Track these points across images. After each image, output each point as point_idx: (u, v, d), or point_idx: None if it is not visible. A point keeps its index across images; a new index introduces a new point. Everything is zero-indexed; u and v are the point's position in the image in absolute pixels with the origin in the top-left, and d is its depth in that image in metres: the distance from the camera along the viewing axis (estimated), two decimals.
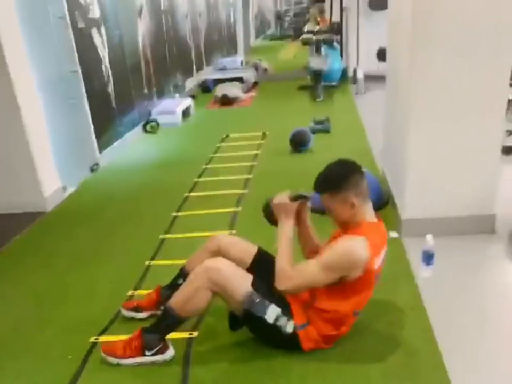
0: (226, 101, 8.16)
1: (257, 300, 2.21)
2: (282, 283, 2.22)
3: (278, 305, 2.24)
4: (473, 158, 3.17)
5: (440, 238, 3.03)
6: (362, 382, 2.15)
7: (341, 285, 2.18)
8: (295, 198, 2.34)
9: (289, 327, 2.23)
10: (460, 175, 3.20)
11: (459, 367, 2.17)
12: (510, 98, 4.83)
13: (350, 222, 2.24)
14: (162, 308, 2.53)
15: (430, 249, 2.82)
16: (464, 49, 2.95)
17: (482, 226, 3.28)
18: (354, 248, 2.11)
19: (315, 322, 2.27)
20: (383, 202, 3.79)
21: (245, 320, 2.30)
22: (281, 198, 2.34)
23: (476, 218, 3.26)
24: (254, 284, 2.25)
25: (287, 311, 2.25)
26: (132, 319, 2.67)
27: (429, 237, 2.82)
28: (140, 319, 2.65)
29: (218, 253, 2.50)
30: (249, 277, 2.29)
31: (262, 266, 2.43)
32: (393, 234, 3.33)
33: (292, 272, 2.21)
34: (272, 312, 2.22)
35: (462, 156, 3.16)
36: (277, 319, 2.22)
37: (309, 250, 2.49)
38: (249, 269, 2.42)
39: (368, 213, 2.26)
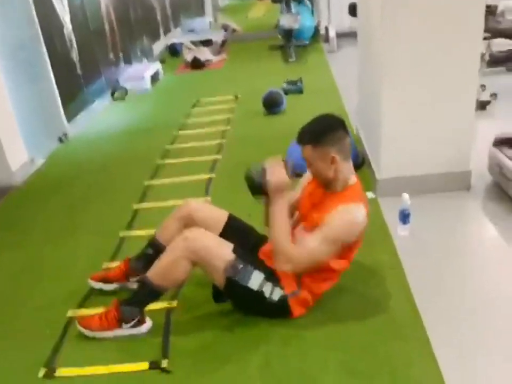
0: (197, 64, 7.98)
1: (240, 267, 2.18)
2: (284, 264, 2.19)
3: (261, 271, 2.21)
4: (448, 114, 3.14)
5: (417, 196, 3.03)
6: (344, 342, 2.15)
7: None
8: (293, 174, 2.26)
9: (275, 294, 2.21)
10: (434, 132, 3.17)
11: (437, 324, 2.19)
12: (483, 52, 4.83)
13: (333, 181, 2.20)
14: (131, 279, 2.53)
15: (407, 208, 2.81)
16: (435, 1, 2.90)
17: (458, 183, 3.28)
18: (357, 219, 2.13)
19: (306, 285, 2.25)
20: (359, 162, 3.76)
21: (228, 291, 2.26)
22: (276, 170, 2.22)
23: (452, 175, 3.26)
24: (235, 251, 2.22)
25: (272, 277, 2.23)
26: (107, 292, 2.62)
27: (405, 196, 2.81)
28: (113, 292, 2.61)
29: (188, 219, 2.46)
30: (230, 245, 2.26)
31: (234, 232, 2.40)
32: (370, 194, 3.32)
33: (293, 251, 2.17)
34: (256, 279, 2.19)
35: (436, 113, 3.13)
36: (261, 286, 2.19)
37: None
38: (221, 235, 2.37)
39: (351, 173, 2.24)
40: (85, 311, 2.53)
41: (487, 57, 5.20)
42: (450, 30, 2.95)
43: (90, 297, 2.65)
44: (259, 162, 2.31)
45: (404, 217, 2.84)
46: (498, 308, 2.28)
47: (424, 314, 2.25)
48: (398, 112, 3.14)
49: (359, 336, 2.17)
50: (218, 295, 2.35)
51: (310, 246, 2.15)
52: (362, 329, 2.21)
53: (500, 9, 6.40)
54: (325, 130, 2.16)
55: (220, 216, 2.52)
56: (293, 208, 2.41)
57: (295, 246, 2.19)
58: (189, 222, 2.44)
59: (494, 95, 4.79)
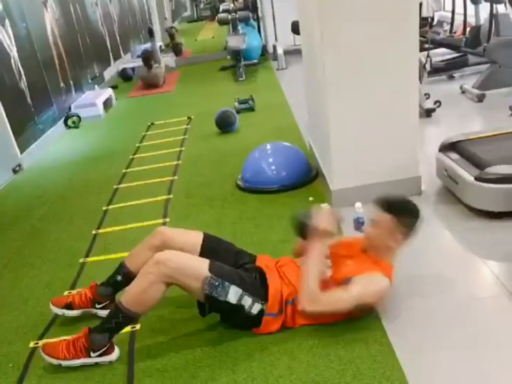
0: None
1: (217, 283, 2.18)
2: (309, 305, 2.22)
3: (239, 286, 2.23)
4: (393, 122, 3.24)
5: (371, 204, 3.11)
6: (306, 352, 2.18)
7: None
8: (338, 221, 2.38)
9: (255, 308, 2.24)
10: (381, 141, 3.26)
11: (396, 327, 2.26)
12: (424, 62, 5.02)
13: (381, 251, 2.34)
14: (97, 305, 2.49)
15: (360, 217, 2.89)
16: (370, 13, 3.01)
17: (409, 189, 3.36)
18: (385, 288, 2.25)
19: (286, 314, 2.30)
20: (312, 176, 3.85)
21: (210, 305, 2.29)
22: (327, 217, 2.33)
23: (402, 182, 3.35)
24: (211, 267, 2.22)
25: (258, 292, 2.27)
26: (70, 320, 2.57)
27: (357, 205, 2.89)
28: (76, 318, 2.56)
29: (163, 247, 2.42)
30: (205, 261, 2.26)
31: (213, 251, 2.41)
32: (325, 206, 3.39)
33: (322, 298, 2.21)
34: (233, 293, 2.20)
35: (382, 121, 3.23)
36: (239, 299, 2.21)
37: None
38: (201, 256, 2.38)
39: (396, 256, 2.38)
40: (47, 341, 2.48)
41: (428, 67, 5.41)
42: (387, 41, 3.06)
43: (52, 326, 2.61)
44: (308, 210, 2.39)
45: (359, 225, 2.92)
46: (453, 306, 2.36)
47: (384, 317, 2.31)
48: (345, 124, 3.22)
49: (322, 344, 2.21)
50: (202, 308, 2.36)
51: (340, 298, 2.21)
52: (323, 337, 2.25)
53: (436, 20, 6.68)
54: (411, 213, 2.33)
55: (195, 239, 2.51)
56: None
57: (326, 294, 2.23)
58: (163, 250, 2.39)
59: (438, 103, 4.98)
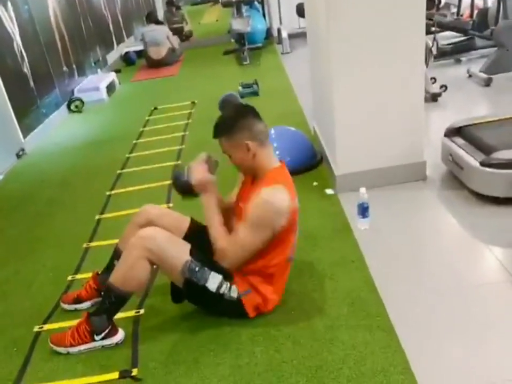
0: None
1: (197, 268, 2.19)
2: (221, 260, 2.23)
3: (219, 272, 2.23)
4: (399, 106, 3.22)
5: (375, 189, 3.11)
6: (310, 337, 2.19)
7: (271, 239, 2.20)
8: (213, 165, 2.34)
9: (233, 292, 2.24)
10: (387, 125, 3.25)
11: (400, 312, 2.25)
12: (430, 45, 4.97)
13: (255, 168, 2.25)
14: (103, 293, 2.47)
15: (365, 202, 2.87)
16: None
17: (414, 174, 3.37)
18: (275, 198, 2.13)
19: (255, 287, 2.28)
20: (316, 161, 3.83)
21: (187, 291, 2.27)
22: (197, 169, 2.30)
23: (407, 167, 3.34)
24: (192, 252, 2.22)
25: (228, 277, 2.25)
26: (76, 310, 2.59)
27: (362, 190, 2.87)
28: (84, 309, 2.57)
29: (147, 225, 2.43)
30: (187, 245, 2.26)
31: (197, 236, 2.40)
32: (329, 191, 3.38)
33: (226, 246, 2.21)
34: (213, 280, 2.20)
35: (387, 106, 3.21)
36: (219, 287, 2.21)
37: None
38: (184, 240, 2.37)
39: (271, 157, 2.28)
40: (52, 325, 2.51)
41: (434, 51, 5.35)
42: (394, 24, 3.03)
43: (56, 311, 2.63)
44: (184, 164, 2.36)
45: (363, 210, 2.90)
46: (458, 292, 2.35)
47: (388, 303, 2.31)
48: (350, 109, 3.20)
49: (325, 329, 2.21)
50: (176, 295, 2.35)
51: (240, 237, 2.19)
52: (328, 322, 2.25)
53: (443, 2, 6.60)
54: (234, 119, 2.21)
55: (182, 221, 2.52)
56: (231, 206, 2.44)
57: (227, 241, 2.22)
58: None
59: (444, 87, 4.93)
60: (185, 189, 2.33)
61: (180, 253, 2.21)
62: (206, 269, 2.20)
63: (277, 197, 2.13)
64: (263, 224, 2.15)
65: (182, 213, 2.61)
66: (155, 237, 2.21)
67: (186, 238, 2.42)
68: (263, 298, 2.29)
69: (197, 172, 2.29)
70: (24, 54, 5.62)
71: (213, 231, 2.26)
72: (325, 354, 2.08)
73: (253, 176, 2.32)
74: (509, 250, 2.60)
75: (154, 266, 2.29)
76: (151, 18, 8.85)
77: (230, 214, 2.39)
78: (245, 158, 2.21)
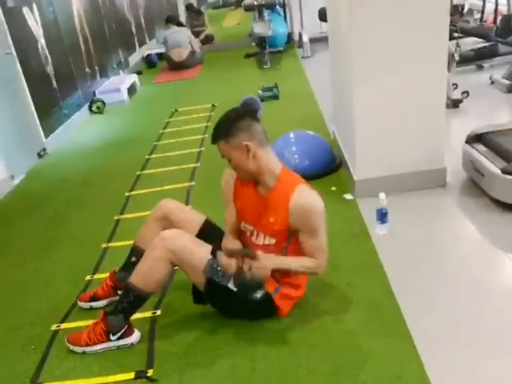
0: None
1: (219, 268, 2.19)
2: (319, 269, 2.26)
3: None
4: (420, 112, 3.19)
5: (394, 195, 3.08)
6: (327, 341, 2.18)
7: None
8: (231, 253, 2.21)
9: (258, 292, 2.21)
10: (408, 131, 3.22)
11: (418, 319, 2.23)
12: (453, 51, 4.92)
13: (259, 172, 2.20)
14: (120, 292, 2.48)
15: (384, 207, 2.86)
16: (400, 0, 2.95)
17: (434, 181, 3.34)
18: (311, 199, 2.16)
19: (282, 281, 2.28)
20: (335, 165, 3.82)
21: (209, 292, 2.27)
22: (259, 268, 2.14)
23: (427, 173, 3.31)
24: (214, 252, 2.23)
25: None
26: (91, 308, 2.61)
27: (381, 195, 2.85)
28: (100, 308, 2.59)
29: (165, 220, 2.47)
30: (208, 246, 2.27)
31: (209, 235, 2.41)
32: (348, 196, 3.37)
33: (317, 264, 2.22)
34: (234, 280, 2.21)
35: (408, 111, 3.18)
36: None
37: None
38: (197, 237, 2.39)
39: (273, 159, 2.24)
40: (69, 324, 2.53)
41: (457, 56, 5.30)
42: (417, 29, 3.00)
43: (73, 310, 2.65)
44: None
45: (382, 216, 2.88)
46: (476, 300, 2.33)
47: (405, 310, 2.29)
48: (370, 114, 3.18)
49: (341, 334, 2.21)
50: (198, 296, 2.35)
51: (320, 246, 2.21)
52: (344, 328, 2.24)
53: (466, 8, 6.54)
54: (230, 121, 2.19)
55: (197, 217, 2.53)
56: (237, 218, 2.39)
57: (313, 258, 2.21)
58: (166, 224, 2.45)
59: (465, 93, 4.88)
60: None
61: (201, 253, 2.23)
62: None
63: (310, 197, 2.16)
64: (322, 224, 2.18)
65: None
66: (177, 238, 2.23)
67: (199, 235, 2.42)
68: (294, 289, 2.31)
69: (259, 270, 2.13)
70: (48, 55, 5.69)
71: (300, 269, 2.24)
72: (341, 360, 2.07)
73: (254, 184, 2.28)
74: None
75: (175, 268, 2.30)
76: (173, 21, 8.88)
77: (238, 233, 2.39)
78: (245, 160, 2.17)
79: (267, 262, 2.14)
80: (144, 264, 2.24)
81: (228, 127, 2.16)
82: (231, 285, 2.20)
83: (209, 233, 2.47)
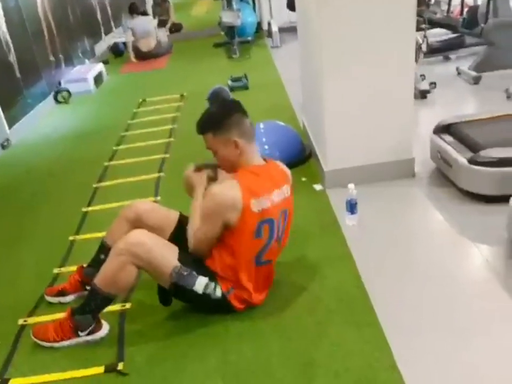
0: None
1: (186, 273, 2.17)
2: (189, 243, 2.26)
3: (204, 274, 2.21)
4: (388, 103, 3.22)
5: (364, 186, 3.10)
6: (298, 332, 2.19)
7: (226, 233, 2.19)
8: (199, 168, 2.38)
9: (217, 291, 2.22)
10: (376, 121, 3.24)
11: (386, 308, 2.26)
12: (420, 42, 4.97)
13: (237, 165, 2.22)
14: (88, 287, 2.43)
15: (353, 198, 2.87)
16: None
17: (403, 171, 3.37)
18: (221, 191, 2.14)
19: (238, 283, 2.26)
20: (305, 156, 3.82)
21: (175, 294, 2.27)
22: (188, 173, 2.36)
23: (396, 164, 3.35)
24: (180, 257, 2.21)
25: (213, 277, 2.24)
26: (59, 303, 2.57)
27: (351, 186, 2.86)
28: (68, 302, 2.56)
29: (136, 221, 2.42)
30: (175, 250, 2.24)
31: (185, 232, 2.37)
32: (318, 186, 3.38)
33: (190, 233, 2.24)
34: (200, 283, 2.19)
35: (377, 102, 3.20)
36: (206, 288, 2.20)
37: None
38: (172, 236, 2.38)
39: (254, 155, 2.26)
40: (36, 319, 2.48)
41: (424, 47, 5.35)
42: (384, 20, 3.02)
43: (41, 304, 2.60)
44: None
45: (351, 207, 2.90)
46: (445, 289, 2.36)
47: (375, 300, 2.31)
48: (340, 104, 3.19)
49: (313, 325, 2.21)
50: (164, 297, 2.32)
51: (194, 226, 2.24)
52: (315, 318, 2.25)
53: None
54: (222, 115, 2.18)
55: (170, 216, 2.50)
56: None
57: (191, 229, 2.25)
58: (137, 225, 2.39)
59: (433, 84, 4.94)
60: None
61: (168, 257, 2.19)
62: (194, 273, 2.19)
63: (223, 191, 2.13)
64: (208, 215, 2.17)
65: (169, 207, 2.60)
66: (143, 243, 2.17)
67: (175, 233, 2.41)
68: (247, 293, 2.28)
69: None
70: (10, 43, 5.53)
71: (190, 223, 2.28)
72: (313, 350, 2.08)
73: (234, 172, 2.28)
74: (495, 248, 2.62)
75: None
76: (137, 10, 8.61)
77: None
78: (231, 155, 2.18)
79: (202, 181, 2.32)
80: (110, 267, 2.19)
81: (219, 120, 2.16)
82: (197, 288, 2.18)
83: (184, 228, 2.42)
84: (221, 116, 2.19)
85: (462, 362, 1.96)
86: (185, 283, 2.17)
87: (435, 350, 2.03)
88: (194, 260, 2.25)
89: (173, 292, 2.26)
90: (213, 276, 2.24)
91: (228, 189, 2.12)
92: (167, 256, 2.20)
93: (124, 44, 8.94)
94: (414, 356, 2.01)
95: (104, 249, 2.49)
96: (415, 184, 3.33)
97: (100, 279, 2.20)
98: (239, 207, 2.10)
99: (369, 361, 1.99)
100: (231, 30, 7.93)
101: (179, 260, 2.19)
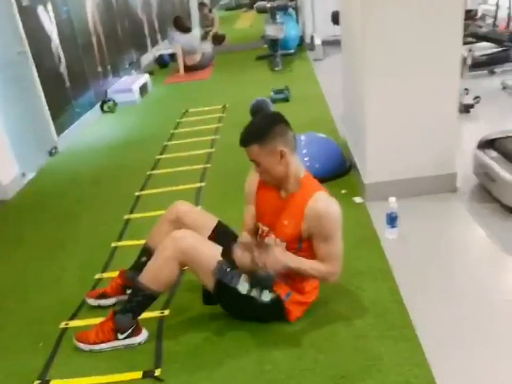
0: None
1: (229, 269, 2.20)
2: (334, 279, 2.26)
3: (247, 277, 2.23)
4: (432, 116, 3.18)
5: (404, 199, 3.07)
6: (334, 344, 2.18)
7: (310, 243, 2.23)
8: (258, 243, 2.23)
9: (265, 296, 2.23)
10: (419, 135, 3.21)
11: (425, 324, 2.22)
12: (465, 56, 4.90)
13: (284, 178, 2.21)
14: (128, 291, 2.49)
15: (394, 212, 2.85)
16: (414, 4, 2.95)
17: (445, 185, 3.32)
18: (329, 205, 2.16)
19: (296, 289, 2.28)
20: (345, 168, 3.81)
21: (218, 294, 2.28)
22: (271, 258, 2.16)
23: (438, 178, 3.30)
24: (224, 254, 2.24)
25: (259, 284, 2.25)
26: (99, 306, 2.63)
27: (391, 200, 2.84)
28: (108, 306, 2.61)
29: (178, 222, 2.47)
30: (218, 247, 2.28)
31: (222, 238, 2.41)
32: (358, 199, 3.36)
33: (329, 269, 2.22)
34: (244, 283, 2.22)
35: (420, 115, 3.18)
36: (250, 290, 2.22)
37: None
38: (209, 239, 2.39)
39: (300, 165, 2.26)
40: (78, 322, 2.54)
41: (469, 61, 5.27)
42: (430, 34, 3.00)
43: (82, 308, 2.66)
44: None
45: (391, 220, 2.87)
46: (484, 306, 2.32)
47: (413, 315, 2.28)
48: (382, 117, 3.18)
49: (350, 339, 2.20)
50: (208, 297, 2.35)
51: (333, 252, 2.20)
52: (352, 332, 2.24)
53: (479, 13, 6.50)
54: (267, 126, 2.18)
55: (209, 220, 2.53)
56: (255, 219, 2.41)
57: (326, 263, 2.21)
58: (178, 225, 2.44)
59: (477, 98, 4.85)
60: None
61: (212, 254, 2.23)
62: (237, 271, 2.21)
63: (328, 203, 2.16)
64: (338, 230, 2.18)
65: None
66: (187, 237, 2.23)
67: (212, 237, 2.42)
68: (305, 295, 2.31)
69: (272, 262, 2.15)
70: (61, 54, 5.73)
71: (311, 271, 2.23)
72: (349, 363, 2.07)
73: (278, 186, 2.28)
74: None
75: (185, 268, 2.31)
76: (183, 27, 8.68)
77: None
78: (276, 166, 2.17)
79: (280, 255, 2.15)
80: (154, 263, 2.25)
81: (264, 131, 2.16)
82: (240, 287, 2.21)
83: (221, 235, 2.47)
84: (265, 126, 2.18)
85: (501, 380, 1.92)
86: (228, 280, 2.19)
87: (474, 367, 1.99)
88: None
89: (217, 294, 2.27)
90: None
91: (328, 199, 2.18)
92: (211, 252, 2.24)
93: (170, 55, 9.10)
94: (452, 372, 1.97)
95: (146, 252, 2.55)
96: (457, 199, 3.27)
97: (144, 276, 2.25)
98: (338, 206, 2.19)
99: (407, 377, 1.96)
100: (274, 43, 7.98)
101: (223, 256, 2.22)
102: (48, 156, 5.19)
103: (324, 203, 2.15)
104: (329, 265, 2.21)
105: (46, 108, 5.17)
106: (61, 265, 3.15)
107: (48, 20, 5.49)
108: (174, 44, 8.37)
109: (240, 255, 2.24)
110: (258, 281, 2.22)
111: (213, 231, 2.48)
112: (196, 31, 8.84)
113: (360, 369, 2.03)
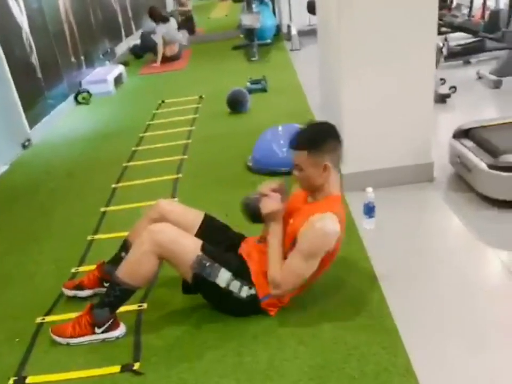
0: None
1: (208, 264, 2.18)
2: (275, 290, 2.22)
3: (230, 269, 2.22)
4: (407, 107, 3.20)
5: (381, 189, 3.09)
6: (313, 335, 2.18)
7: None
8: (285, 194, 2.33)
9: (243, 292, 2.23)
10: (395, 125, 3.23)
11: (404, 312, 2.24)
12: (440, 46, 4.94)
13: (319, 188, 2.23)
14: (106, 284, 2.47)
15: (371, 202, 2.86)
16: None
17: (421, 175, 3.35)
18: (327, 227, 2.12)
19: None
20: None
21: (196, 286, 2.27)
22: (269, 200, 2.27)
23: (414, 167, 3.32)
24: (203, 248, 2.22)
25: (245, 276, 2.25)
26: (76, 297, 2.59)
27: (369, 190, 2.85)
28: (85, 298, 2.58)
29: (161, 220, 2.43)
30: (198, 241, 2.26)
31: (210, 231, 2.40)
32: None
33: (281, 277, 2.19)
34: (223, 276, 2.20)
35: (396, 106, 3.19)
36: (228, 283, 2.21)
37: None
38: (197, 235, 2.37)
39: (337, 184, 2.28)
40: (54, 317, 2.50)
41: (445, 51, 5.31)
42: (405, 25, 3.01)
43: (58, 303, 2.62)
44: (256, 190, 2.36)
45: (369, 210, 2.88)
46: (462, 294, 2.34)
47: (391, 304, 2.30)
48: (359, 107, 3.18)
49: (329, 329, 2.20)
50: (187, 287, 2.33)
51: (292, 267, 2.18)
52: (332, 322, 2.24)
53: (455, 3, 6.55)
54: (323, 137, 2.19)
55: (195, 216, 2.51)
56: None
57: (282, 270, 2.19)
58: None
59: (453, 88, 4.90)
60: (256, 218, 2.31)
61: (190, 247, 2.21)
62: (216, 264, 2.20)
63: (328, 225, 2.12)
64: (315, 252, 2.15)
65: (189, 206, 2.60)
66: (165, 231, 2.21)
67: (201, 233, 2.41)
68: (280, 301, 2.30)
69: (268, 205, 2.26)
70: (33, 44, 5.60)
71: (270, 263, 2.23)
72: (328, 353, 2.07)
73: (310, 193, 2.30)
74: None
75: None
76: (161, 17, 8.51)
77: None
78: (316, 177, 2.19)
79: (280, 210, 2.26)
80: (132, 257, 2.23)
81: (318, 141, 2.17)
82: (219, 280, 2.19)
83: (209, 228, 2.46)
84: (320, 138, 2.19)
85: (478, 368, 1.94)
86: (207, 274, 2.18)
87: (452, 355, 2.01)
88: (220, 253, 2.27)
89: (194, 286, 2.26)
90: (247, 277, 2.25)
91: (331, 225, 2.13)
92: (190, 245, 2.22)
93: (140, 46, 8.95)
94: (430, 361, 1.99)
95: (126, 247, 2.52)
96: (434, 189, 3.30)
97: (121, 270, 2.22)
98: (336, 238, 2.15)
99: (385, 365, 1.97)
100: (250, 33, 7.94)
101: (203, 250, 2.21)
102: (21, 149, 5.09)
103: (324, 222, 2.13)
104: (283, 277, 2.19)
105: (17, 99, 5.06)
106: (36, 259, 3.10)
107: (17, 8, 5.35)
108: (156, 35, 8.21)
109: (265, 188, 2.32)
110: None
111: (201, 226, 2.46)
112: (173, 21, 8.72)
113: (340, 358, 2.04)
